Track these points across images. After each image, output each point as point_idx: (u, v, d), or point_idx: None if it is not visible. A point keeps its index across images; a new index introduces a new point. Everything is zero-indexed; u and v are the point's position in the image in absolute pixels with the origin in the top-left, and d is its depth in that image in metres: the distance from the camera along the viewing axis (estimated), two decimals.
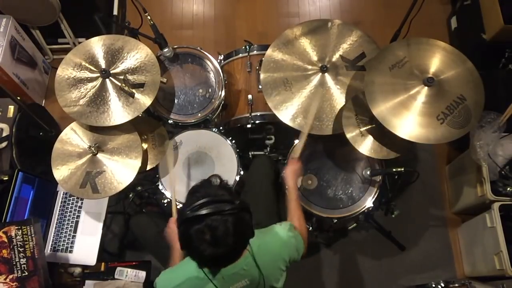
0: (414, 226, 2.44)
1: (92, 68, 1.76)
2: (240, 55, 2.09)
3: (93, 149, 1.74)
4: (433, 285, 2.00)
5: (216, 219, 1.07)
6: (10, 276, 1.62)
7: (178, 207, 1.87)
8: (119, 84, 1.72)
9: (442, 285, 1.98)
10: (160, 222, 1.84)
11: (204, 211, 1.07)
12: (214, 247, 1.08)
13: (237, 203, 1.11)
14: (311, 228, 2.03)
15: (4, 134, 2.13)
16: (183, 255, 1.49)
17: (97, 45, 1.80)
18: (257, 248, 1.26)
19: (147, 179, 2.10)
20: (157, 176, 1.91)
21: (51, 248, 1.92)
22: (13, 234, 1.65)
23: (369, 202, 1.88)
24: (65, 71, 1.76)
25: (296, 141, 1.95)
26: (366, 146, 1.76)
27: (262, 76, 1.85)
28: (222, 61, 2.15)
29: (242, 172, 1.93)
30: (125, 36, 1.85)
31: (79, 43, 2.44)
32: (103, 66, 1.75)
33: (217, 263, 1.19)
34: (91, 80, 1.74)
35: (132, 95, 1.71)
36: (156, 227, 1.82)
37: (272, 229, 1.41)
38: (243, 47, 2.08)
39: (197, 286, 1.26)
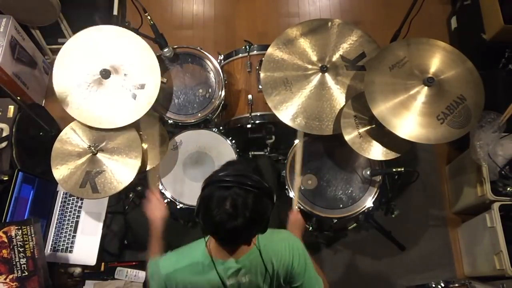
0: (414, 226, 2.44)
1: (93, 68, 1.75)
2: (240, 55, 2.09)
3: (93, 148, 1.74)
4: (433, 285, 2.00)
5: (241, 191, 1.09)
6: (10, 276, 1.62)
7: (178, 207, 1.88)
8: (120, 84, 1.71)
9: (442, 285, 1.98)
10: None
11: (233, 179, 1.10)
12: (229, 216, 1.07)
13: (263, 186, 1.13)
14: (311, 228, 2.03)
15: (4, 134, 2.13)
16: (162, 234, 1.49)
17: (96, 43, 1.79)
18: (263, 246, 1.25)
19: (147, 179, 2.10)
20: (157, 176, 1.91)
21: (51, 248, 1.92)
22: (13, 234, 1.65)
23: (369, 202, 1.88)
24: (66, 71, 1.75)
25: (296, 141, 1.95)
26: (365, 148, 1.76)
27: (262, 75, 1.85)
28: (222, 61, 2.15)
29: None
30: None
31: None
32: (105, 66, 1.75)
33: (224, 235, 1.15)
34: (91, 80, 1.73)
35: (133, 96, 1.71)
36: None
37: (284, 232, 1.38)
38: (243, 47, 2.08)
39: (200, 272, 1.24)
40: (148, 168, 1.86)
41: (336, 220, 1.89)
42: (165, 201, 1.90)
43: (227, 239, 1.17)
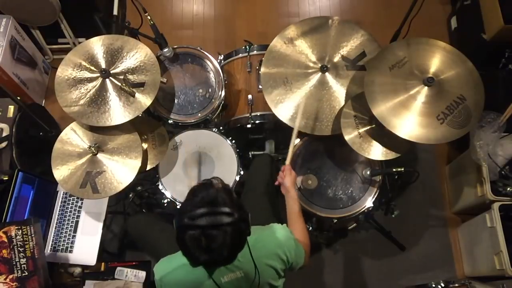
0: (414, 226, 2.44)
1: (92, 68, 1.76)
2: (240, 55, 2.09)
3: (93, 149, 1.74)
4: (433, 285, 2.00)
5: (216, 231, 1.07)
6: (10, 276, 1.62)
7: (178, 207, 1.87)
8: (119, 84, 1.72)
9: (442, 285, 1.98)
10: (158, 223, 1.84)
11: (202, 222, 1.07)
12: (209, 254, 1.09)
13: (236, 216, 1.10)
14: (311, 228, 2.02)
15: (4, 134, 2.13)
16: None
17: (96, 45, 1.80)
18: (253, 241, 1.26)
19: (147, 179, 2.10)
20: (157, 176, 1.91)
21: (51, 248, 1.92)
22: (13, 234, 1.65)
23: (369, 202, 1.88)
24: (65, 72, 1.76)
25: (297, 141, 1.95)
26: (365, 148, 1.76)
27: (262, 70, 1.84)
28: (222, 61, 2.15)
29: (242, 172, 1.93)
30: (124, 36, 1.85)
31: (79, 43, 2.44)
32: (103, 66, 1.75)
33: (211, 265, 1.22)
34: (91, 80, 1.74)
35: (132, 95, 1.71)
36: (154, 228, 1.81)
37: (271, 227, 1.41)
38: (243, 47, 2.08)
39: (192, 272, 1.25)
40: (148, 167, 1.85)
41: (336, 220, 1.89)
42: (165, 201, 1.90)
43: (212, 266, 1.23)
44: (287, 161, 1.67)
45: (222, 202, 1.11)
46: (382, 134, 1.74)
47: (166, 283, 1.31)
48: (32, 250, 1.65)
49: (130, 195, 2.14)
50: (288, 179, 1.60)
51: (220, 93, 1.99)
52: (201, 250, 1.08)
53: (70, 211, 1.99)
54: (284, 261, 1.35)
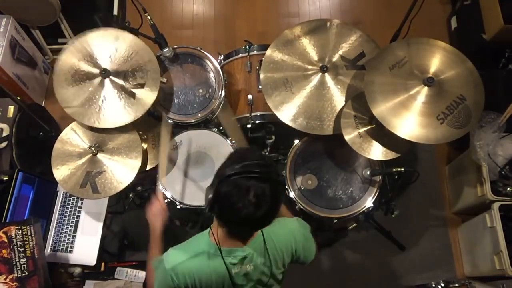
0: (414, 226, 2.44)
1: (92, 68, 1.75)
2: (240, 55, 2.09)
3: (93, 149, 1.74)
4: (433, 285, 2.00)
5: (260, 181, 1.08)
6: (10, 276, 1.62)
7: (178, 207, 1.87)
8: (120, 84, 1.72)
9: (442, 285, 1.99)
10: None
11: (250, 169, 1.08)
12: (255, 206, 1.07)
13: (277, 173, 1.14)
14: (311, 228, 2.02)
15: (4, 134, 2.13)
16: (162, 237, 1.48)
17: (96, 44, 1.79)
18: (266, 234, 1.26)
19: (147, 179, 2.10)
20: (157, 176, 1.91)
21: (51, 248, 1.92)
22: (13, 234, 1.65)
23: (369, 202, 1.88)
24: (64, 71, 1.75)
25: (296, 141, 1.95)
26: (365, 148, 1.76)
27: (262, 76, 1.85)
28: (222, 61, 2.15)
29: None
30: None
31: None
32: (103, 65, 1.75)
33: (246, 225, 1.17)
34: (91, 79, 1.73)
35: (133, 96, 1.71)
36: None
37: (284, 219, 1.40)
38: (243, 47, 2.08)
39: (205, 262, 1.24)
40: (148, 167, 1.86)
41: (336, 220, 1.89)
42: (165, 201, 1.90)
43: (250, 228, 1.20)
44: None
45: (261, 160, 1.14)
46: (382, 134, 1.74)
47: (180, 272, 1.24)
48: (32, 250, 1.65)
49: (130, 195, 2.14)
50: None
51: (220, 93, 1.99)
52: (246, 200, 1.07)
53: (70, 211, 1.99)
54: (292, 255, 1.35)
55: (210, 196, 1.12)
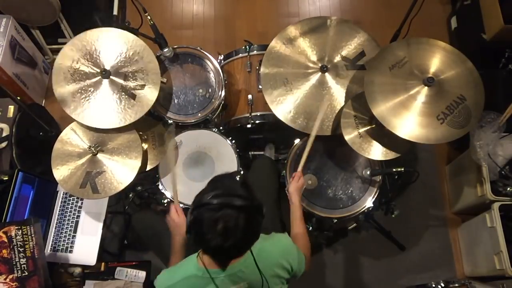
0: (414, 226, 2.44)
1: (92, 67, 1.75)
2: (240, 55, 2.09)
3: (93, 149, 1.74)
4: (433, 285, 2.00)
5: (231, 212, 1.09)
6: (10, 276, 1.62)
7: (165, 201, 1.87)
8: (120, 84, 1.72)
9: (442, 285, 1.98)
10: (164, 219, 1.84)
11: (222, 201, 1.09)
12: (223, 238, 1.09)
13: (254, 203, 1.13)
14: (311, 228, 2.03)
15: (4, 134, 2.13)
16: (182, 248, 1.51)
17: (97, 42, 1.79)
18: (258, 251, 1.25)
19: (147, 179, 2.10)
20: (157, 176, 1.91)
21: (51, 248, 1.92)
22: (13, 234, 1.65)
23: (369, 202, 1.88)
24: (64, 70, 1.75)
25: (297, 141, 1.95)
26: (365, 148, 1.76)
27: (262, 71, 1.84)
28: (222, 61, 2.15)
29: (242, 172, 1.93)
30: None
31: None
32: (103, 65, 1.75)
33: (220, 254, 1.20)
34: (91, 79, 1.73)
35: (133, 97, 1.71)
36: (159, 224, 1.82)
37: (274, 236, 1.41)
38: (243, 47, 2.08)
39: (196, 285, 1.26)
40: (148, 168, 1.86)
41: (336, 220, 1.89)
42: (165, 201, 1.90)
43: (219, 255, 1.21)
44: (299, 168, 1.69)
45: (240, 189, 1.15)
46: (382, 134, 1.74)
47: None
48: (32, 250, 1.65)
49: (130, 195, 2.14)
50: (292, 186, 1.62)
51: (220, 93, 1.99)
52: (216, 233, 1.08)
53: (70, 211, 1.99)
54: (288, 270, 1.35)
55: (188, 221, 1.15)
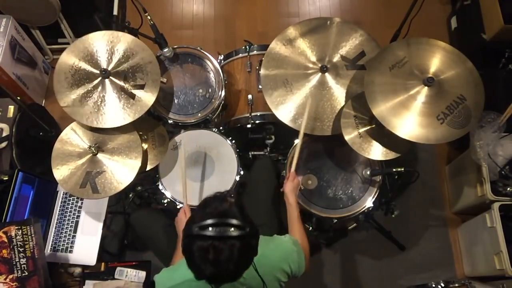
0: (414, 226, 2.44)
1: (92, 67, 1.75)
2: (240, 55, 2.09)
3: (93, 149, 1.73)
4: (433, 285, 2.00)
5: (223, 242, 1.05)
6: (10, 276, 1.62)
7: (178, 207, 1.87)
8: (119, 84, 1.72)
9: (442, 285, 1.98)
10: (162, 219, 1.84)
11: (211, 233, 1.05)
12: (215, 268, 1.06)
13: (247, 229, 1.09)
14: (311, 228, 2.03)
15: (4, 134, 2.13)
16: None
17: (97, 43, 1.79)
18: (258, 258, 1.22)
19: (147, 179, 2.10)
20: (157, 176, 1.91)
21: (51, 248, 1.92)
22: (13, 234, 1.65)
23: (369, 202, 1.88)
24: (66, 64, 1.75)
25: (297, 141, 1.95)
26: (365, 148, 1.76)
27: (262, 72, 1.84)
28: (222, 61, 2.15)
29: (242, 172, 1.93)
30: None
31: None
32: (103, 65, 1.75)
33: (216, 281, 1.16)
34: (91, 80, 1.73)
35: (132, 96, 1.71)
36: (158, 224, 1.82)
37: (275, 239, 1.41)
38: (243, 47, 2.08)
39: None
40: (148, 168, 1.86)
41: (336, 220, 1.89)
42: (165, 201, 1.90)
43: (217, 282, 1.17)
44: (292, 168, 1.68)
45: (232, 215, 1.09)
46: (382, 134, 1.74)
47: None
48: (32, 250, 1.65)
49: (130, 195, 2.14)
50: (288, 185, 1.62)
51: (220, 93, 1.99)
52: (207, 262, 1.05)
53: (70, 211, 1.99)
54: (288, 274, 1.36)
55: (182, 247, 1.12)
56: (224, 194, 1.19)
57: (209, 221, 1.06)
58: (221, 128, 2.05)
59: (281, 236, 1.44)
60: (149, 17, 1.85)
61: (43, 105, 2.70)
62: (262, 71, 1.85)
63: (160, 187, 1.89)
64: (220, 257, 1.05)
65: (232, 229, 1.06)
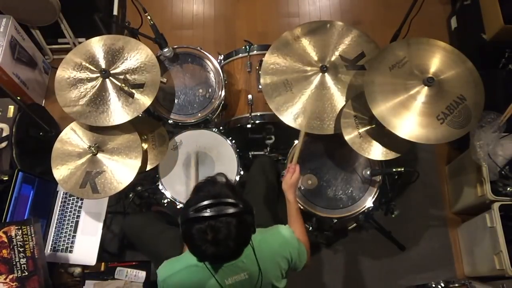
0: (414, 226, 2.44)
1: (92, 68, 1.75)
2: (240, 55, 2.09)
3: (93, 149, 1.74)
4: (433, 285, 2.00)
5: (219, 221, 1.09)
6: (10, 276, 1.62)
7: (178, 207, 1.88)
8: (119, 84, 1.72)
9: (442, 285, 1.98)
10: (154, 223, 1.84)
11: (207, 213, 1.08)
12: (216, 247, 1.09)
13: (241, 206, 1.12)
14: (311, 228, 2.03)
15: (4, 134, 2.13)
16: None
17: (97, 45, 1.79)
18: (258, 242, 1.26)
19: (147, 179, 2.10)
20: (157, 176, 1.91)
21: (51, 248, 1.92)
22: (13, 234, 1.65)
23: (369, 202, 1.88)
24: (65, 71, 1.75)
25: (297, 141, 1.95)
26: (365, 148, 1.76)
27: (262, 80, 1.84)
28: (222, 61, 2.15)
29: (242, 172, 1.93)
30: (125, 36, 1.85)
31: (79, 43, 2.44)
32: (103, 66, 1.75)
33: (218, 260, 1.22)
34: (91, 80, 1.74)
35: (131, 95, 1.71)
36: (150, 229, 1.82)
37: (275, 228, 1.43)
38: (243, 47, 2.08)
39: (196, 275, 1.27)
40: (148, 168, 1.86)
41: (336, 220, 1.89)
42: (165, 201, 1.90)
43: (219, 261, 1.23)
44: (294, 160, 1.68)
45: (225, 195, 1.13)
46: (382, 134, 1.74)
47: (169, 284, 1.31)
48: (32, 250, 1.65)
49: (130, 195, 2.14)
50: (287, 178, 1.61)
51: (220, 93, 1.99)
52: (207, 242, 1.08)
53: (70, 211, 1.99)
54: (288, 261, 1.36)
55: (180, 233, 1.15)
56: (214, 177, 1.23)
57: (203, 203, 1.09)
58: (221, 128, 2.05)
59: (282, 225, 1.45)
60: (149, 17, 1.85)
61: (43, 105, 2.71)
62: (261, 79, 1.84)
63: (160, 187, 1.89)
64: (219, 235, 1.08)
65: (226, 207, 1.10)
